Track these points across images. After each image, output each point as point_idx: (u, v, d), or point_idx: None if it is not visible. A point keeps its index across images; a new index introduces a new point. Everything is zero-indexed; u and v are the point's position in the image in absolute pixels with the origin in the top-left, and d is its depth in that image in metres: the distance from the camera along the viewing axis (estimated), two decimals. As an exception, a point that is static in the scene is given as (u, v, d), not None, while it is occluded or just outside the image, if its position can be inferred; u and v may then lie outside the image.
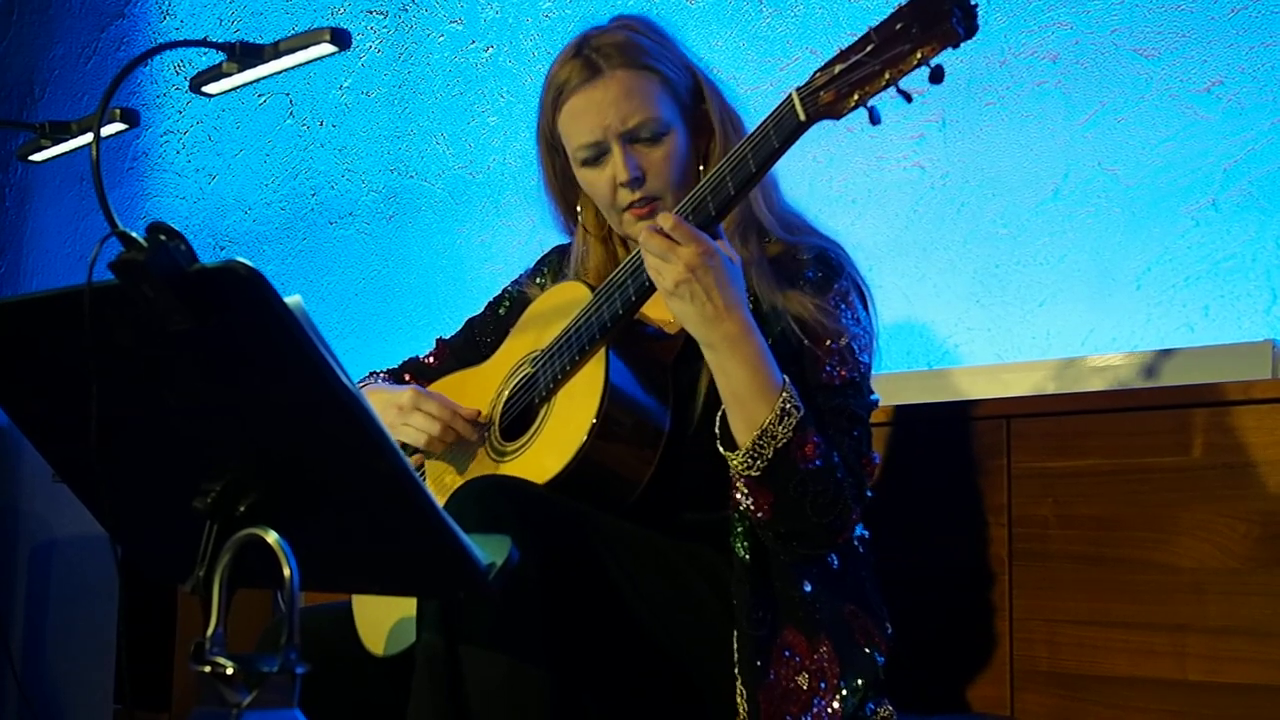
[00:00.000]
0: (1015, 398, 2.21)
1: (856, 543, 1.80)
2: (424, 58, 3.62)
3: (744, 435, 1.65)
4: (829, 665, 1.69)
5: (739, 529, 1.73)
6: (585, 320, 1.79)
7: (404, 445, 1.87)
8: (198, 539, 1.25)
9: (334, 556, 1.37)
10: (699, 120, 1.86)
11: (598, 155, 1.84)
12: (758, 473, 1.64)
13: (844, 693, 1.68)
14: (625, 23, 1.86)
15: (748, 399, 1.65)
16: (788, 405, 1.64)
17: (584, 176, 1.88)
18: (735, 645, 1.71)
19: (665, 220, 1.64)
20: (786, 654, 1.69)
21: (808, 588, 1.72)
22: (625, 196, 1.84)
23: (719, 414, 1.69)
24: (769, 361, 1.66)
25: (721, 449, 1.68)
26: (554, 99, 1.86)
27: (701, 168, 1.85)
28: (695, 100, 1.86)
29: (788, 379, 1.66)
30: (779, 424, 1.63)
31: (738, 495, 1.69)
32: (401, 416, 1.87)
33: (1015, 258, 2.48)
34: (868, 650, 1.73)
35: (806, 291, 1.76)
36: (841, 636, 1.71)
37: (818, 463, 1.66)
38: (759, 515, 1.68)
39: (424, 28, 3.63)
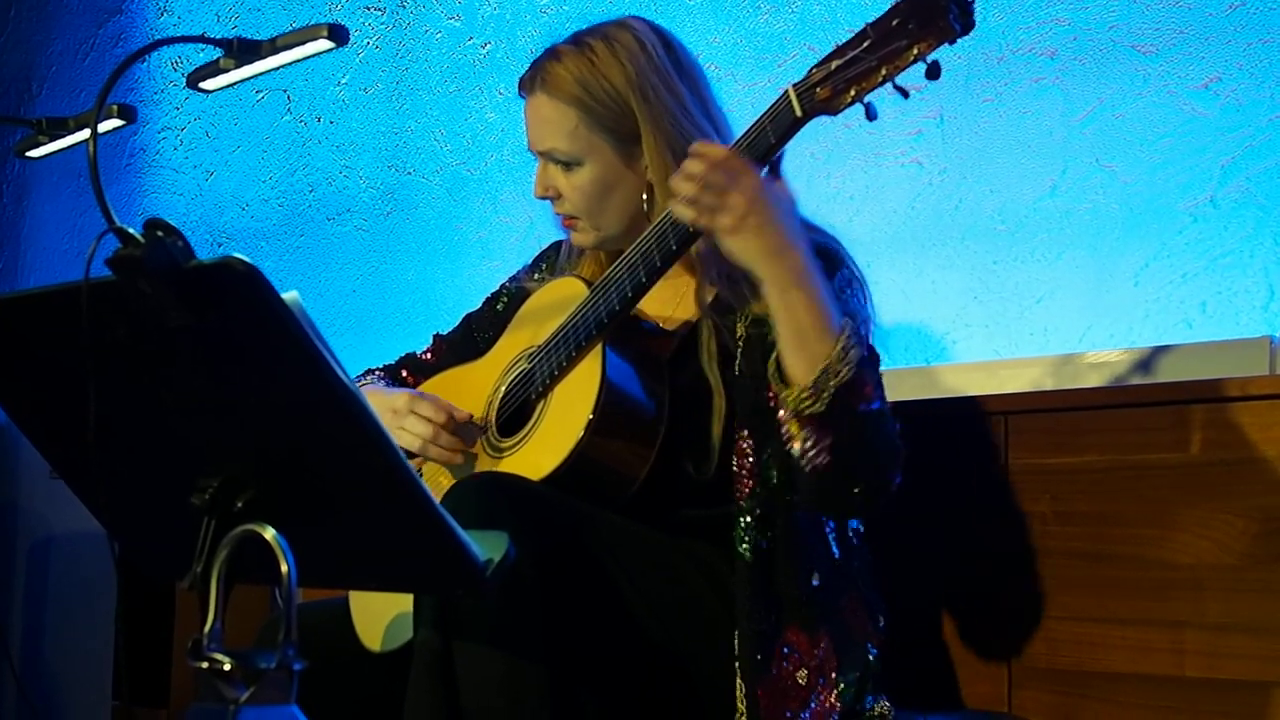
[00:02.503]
0: (1012, 394, 2.21)
1: (852, 535, 1.80)
2: (422, 54, 3.62)
3: (805, 371, 1.61)
4: (827, 660, 1.69)
5: (743, 523, 1.72)
6: (582, 316, 1.79)
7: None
8: (195, 535, 1.25)
9: (331, 553, 1.37)
10: (637, 154, 1.85)
11: (537, 160, 1.91)
12: (822, 407, 1.60)
13: (841, 686, 1.69)
14: (592, 44, 1.85)
15: (810, 334, 1.61)
16: (849, 341, 1.61)
17: None
18: (736, 643, 1.71)
19: (717, 151, 1.62)
20: (786, 650, 1.69)
21: (816, 581, 1.72)
22: (552, 205, 1.91)
23: (773, 354, 1.66)
24: (829, 296, 1.63)
25: (777, 387, 1.64)
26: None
27: (644, 196, 1.86)
28: (633, 135, 1.84)
29: (846, 317, 1.64)
30: (841, 360, 1.60)
31: (795, 441, 1.64)
32: (396, 420, 1.87)
33: (1013, 254, 2.48)
34: (862, 643, 1.73)
35: None
36: (839, 630, 1.72)
37: (876, 404, 1.64)
38: (818, 461, 1.63)
39: (422, 24, 3.62)
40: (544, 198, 1.91)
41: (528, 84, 1.89)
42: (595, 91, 1.83)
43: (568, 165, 1.87)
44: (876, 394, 1.64)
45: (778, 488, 1.72)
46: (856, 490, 1.65)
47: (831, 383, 1.60)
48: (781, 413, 1.65)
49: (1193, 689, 1.85)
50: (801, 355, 1.61)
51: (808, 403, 1.60)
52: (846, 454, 1.62)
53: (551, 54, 1.87)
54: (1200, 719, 1.85)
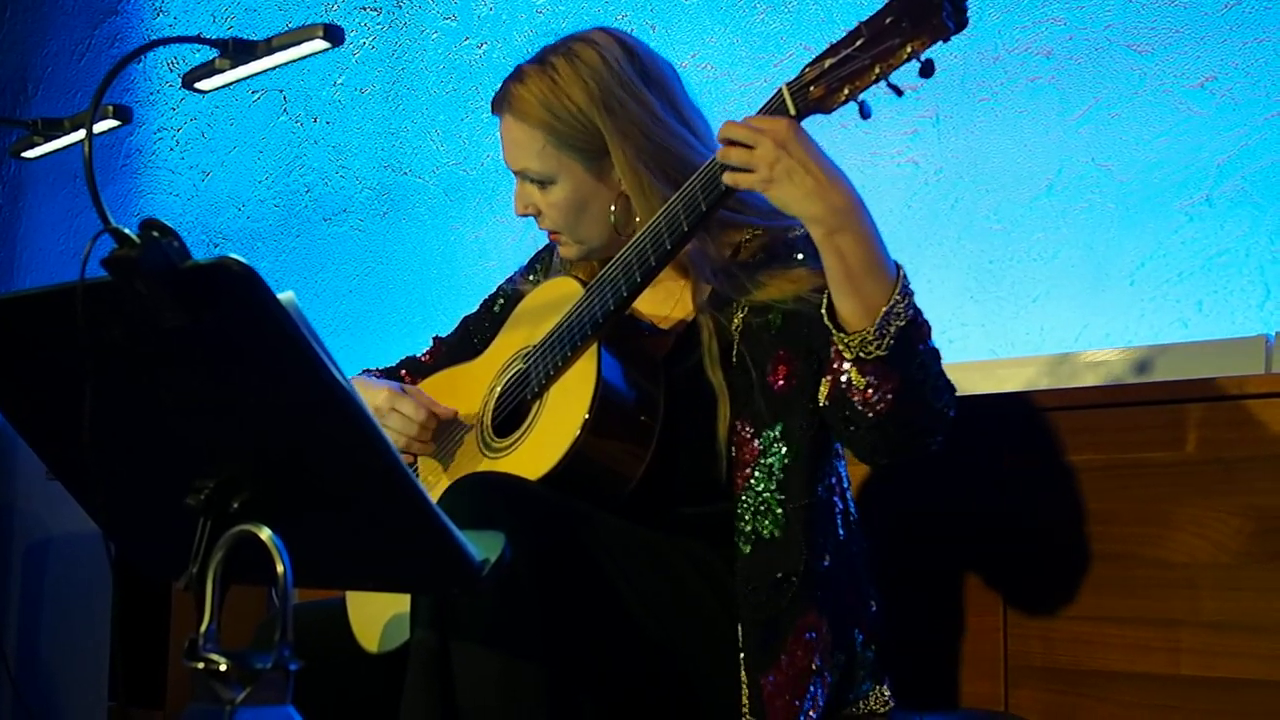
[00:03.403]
0: (1008, 393, 2.21)
1: (852, 520, 1.81)
2: (418, 54, 3.62)
3: (862, 315, 1.59)
4: (827, 643, 1.70)
5: (746, 516, 1.72)
6: (577, 316, 1.79)
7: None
8: (191, 536, 1.25)
9: (328, 553, 1.37)
10: (607, 168, 1.85)
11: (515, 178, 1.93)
12: (885, 351, 1.59)
13: (832, 668, 1.69)
14: (555, 63, 1.85)
15: (863, 276, 1.59)
16: (906, 283, 1.61)
17: None
18: (740, 637, 1.71)
19: (736, 123, 1.62)
20: (809, 636, 1.69)
21: (826, 562, 1.72)
22: (535, 221, 1.92)
23: (825, 296, 1.64)
24: (880, 239, 1.61)
25: (836, 333, 1.62)
26: None
27: (612, 208, 1.86)
28: (601, 150, 1.84)
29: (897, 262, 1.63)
30: (901, 301, 1.59)
31: (855, 390, 1.62)
32: (378, 418, 1.87)
33: (1009, 253, 2.48)
34: (851, 627, 1.74)
35: (806, 264, 1.76)
36: (837, 613, 1.72)
37: (931, 344, 1.64)
38: (880, 407, 1.62)
39: (418, 24, 3.62)
40: (525, 215, 1.92)
41: (497, 105, 1.90)
42: (559, 112, 1.83)
43: (542, 184, 1.88)
44: (930, 333, 1.64)
45: (792, 464, 1.73)
46: (918, 430, 1.66)
47: (894, 325, 1.58)
48: (836, 361, 1.64)
49: (1189, 687, 1.85)
50: (855, 299, 1.59)
51: (872, 347, 1.59)
52: (909, 395, 1.62)
53: (516, 75, 1.87)
54: (1196, 717, 1.85)
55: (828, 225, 1.59)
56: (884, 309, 1.58)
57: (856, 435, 1.68)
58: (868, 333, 1.59)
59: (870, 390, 1.61)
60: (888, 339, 1.59)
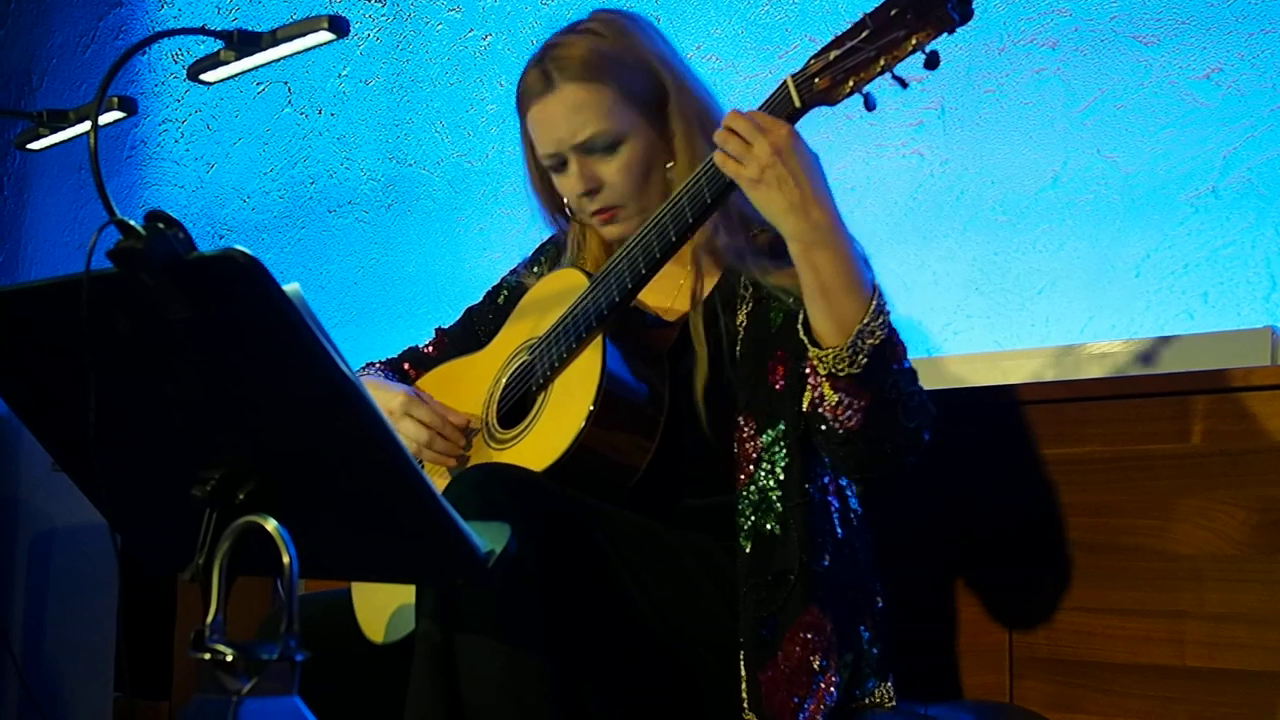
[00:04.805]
0: (1014, 385, 2.21)
1: (853, 516, 1.81)
2: (422, 46, 3.62)
3: (835, 333, 1.60)
4: (832, 643, 1.70)
5: (748, 512, 1.72)
6: (582, 308, 1.79)
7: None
8: (197, 527, 1.25)
9: (333, 544, 1.37)
10: (665, 121, 1.84)
11: (559, 164, 1.87)
12: (859, 369, 1.59)
13: (840, 668, 1.69)
14: (590, 27, 1.84)
15: (838, 293, 1.59)
16: (881, 302, 1.61)
17: (554, 181, 1.91)
18: (740, 634, 1.70)
19: (742, 114, 1.62)
20: (807, 635, 1.68)
21: (826, 561, 1.72)
22: (586, 204, 1.87)
23: (800, 313, 1.65)
24: (858, 257, 1.62)
25: (811, 348, 1.62)
26: (520, 105, 1.90)
27: (670, 165, 1.84)
28: (660, 102, 1.83)
29: (874, 279, 1.63)
30: (875, 320, 1.59)
31: (827, 405, 1.62)
32: (391, 422, 1.86)
33: (1014, 245, 2.47)
34: (857, 625, 1.74)
35: None
36: (841, 612, 1.72)
37: (907, 364, 1.64)
38: (850, 423, 1.62)
39: (422, 15, 3.62)
40: (587, 191, 1.85)
41: (541, 82, 1.84)
42: (624, 59, 1.81)
43: (610, 149, 1.83)
44: (905, 354, 1.64)
45: (791, 466, 1.72)
46: (889, 450, 1.65)
47: (868, 343, 1.59)
48: (811, 376, 1.64)
49: (1193, 679, 1.85)
50: (829, 316, 1.60)
51: (844, 364, 1.59)
52: (880, 414, 1.62)
53: (557, 45, 1.85)
54: (1200, 709, 1.85)
55: (805, 240, 1.60)
56: (857, 327, 1.59)
57: (829, 449, 1.69)
58: (841, 350, 1.59)
59: (841, 407, 1.62)
60: (860, 356, 1.59)
